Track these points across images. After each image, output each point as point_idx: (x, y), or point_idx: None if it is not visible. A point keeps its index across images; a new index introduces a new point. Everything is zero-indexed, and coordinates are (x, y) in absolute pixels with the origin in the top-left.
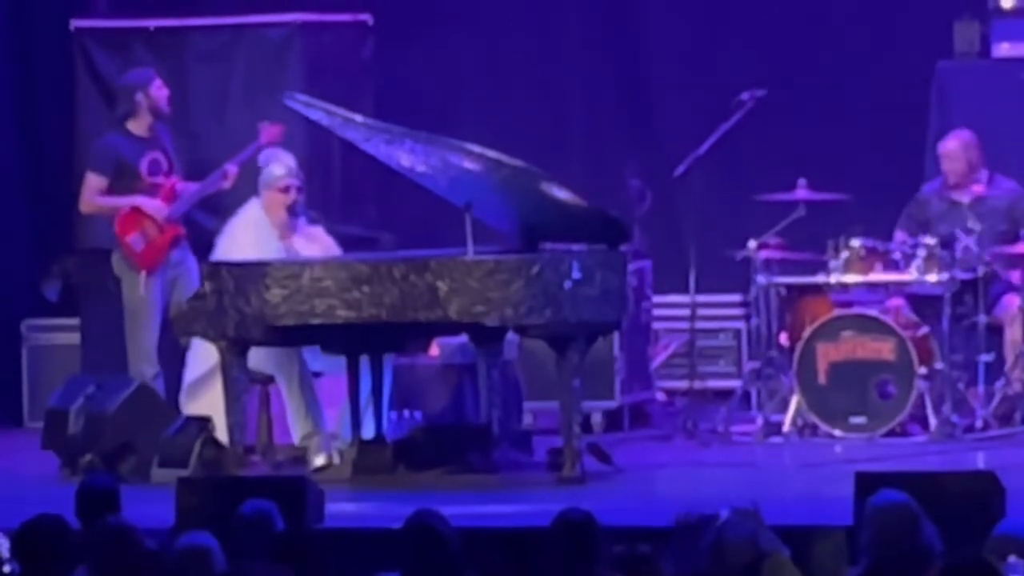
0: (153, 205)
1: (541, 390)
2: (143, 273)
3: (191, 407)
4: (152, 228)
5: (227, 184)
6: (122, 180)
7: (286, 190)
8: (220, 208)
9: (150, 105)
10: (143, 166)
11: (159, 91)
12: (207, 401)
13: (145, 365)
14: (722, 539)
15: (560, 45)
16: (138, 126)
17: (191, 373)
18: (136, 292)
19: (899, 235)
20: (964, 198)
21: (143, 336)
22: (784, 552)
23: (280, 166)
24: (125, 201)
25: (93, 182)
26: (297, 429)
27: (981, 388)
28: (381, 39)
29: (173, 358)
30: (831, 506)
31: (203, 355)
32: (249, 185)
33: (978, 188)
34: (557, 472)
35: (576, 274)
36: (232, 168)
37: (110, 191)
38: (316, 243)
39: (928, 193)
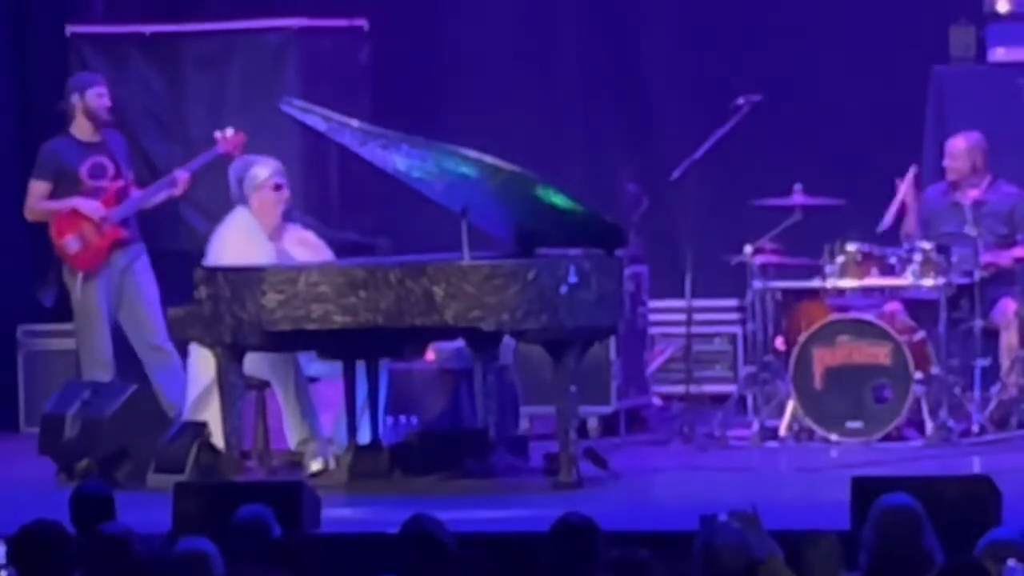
0: (90, 206)
1: (537, 395)
2: (80, 275)
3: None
4: (90, 230)
5: (177, 191)
6: (63, 184)
7: (278, 188)
8: (214, 213)
9: (85, 109)
10: (83, 170)
11: (98, 99)
12: (212, 412)
13: (99, 371)
14: (711, 544)
15: (557, 50)
16: (81, 130)
17: (194, 387)
18: (76, 296)
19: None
20: (965, 200)
21: (91, 341)
22: (779, 558)
23: (264, 167)
24: (63, 204)
25: (36, 188)
26: (293, 434)
27: (977, 393)
28: (377, 44)
29: (123, 366)
30: (827, 511)
31: (204, 368)
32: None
33: (974, 192)
34: (553, 477)
35: (572, 279)
36: (183, 174)
37: (52, 196)
38: (307, 246)
39: (933, 194)
